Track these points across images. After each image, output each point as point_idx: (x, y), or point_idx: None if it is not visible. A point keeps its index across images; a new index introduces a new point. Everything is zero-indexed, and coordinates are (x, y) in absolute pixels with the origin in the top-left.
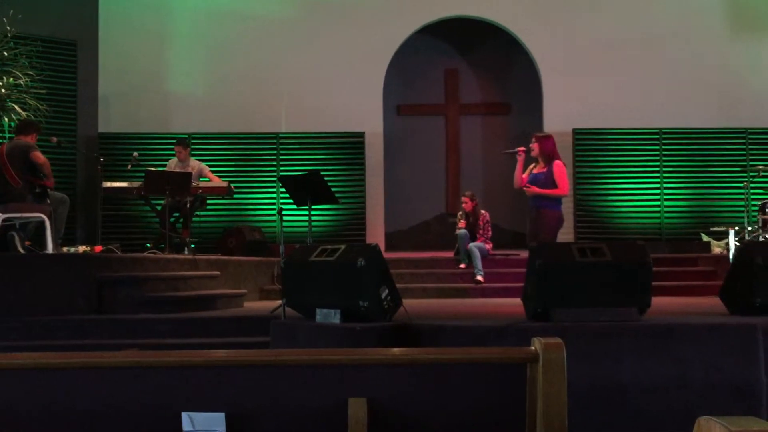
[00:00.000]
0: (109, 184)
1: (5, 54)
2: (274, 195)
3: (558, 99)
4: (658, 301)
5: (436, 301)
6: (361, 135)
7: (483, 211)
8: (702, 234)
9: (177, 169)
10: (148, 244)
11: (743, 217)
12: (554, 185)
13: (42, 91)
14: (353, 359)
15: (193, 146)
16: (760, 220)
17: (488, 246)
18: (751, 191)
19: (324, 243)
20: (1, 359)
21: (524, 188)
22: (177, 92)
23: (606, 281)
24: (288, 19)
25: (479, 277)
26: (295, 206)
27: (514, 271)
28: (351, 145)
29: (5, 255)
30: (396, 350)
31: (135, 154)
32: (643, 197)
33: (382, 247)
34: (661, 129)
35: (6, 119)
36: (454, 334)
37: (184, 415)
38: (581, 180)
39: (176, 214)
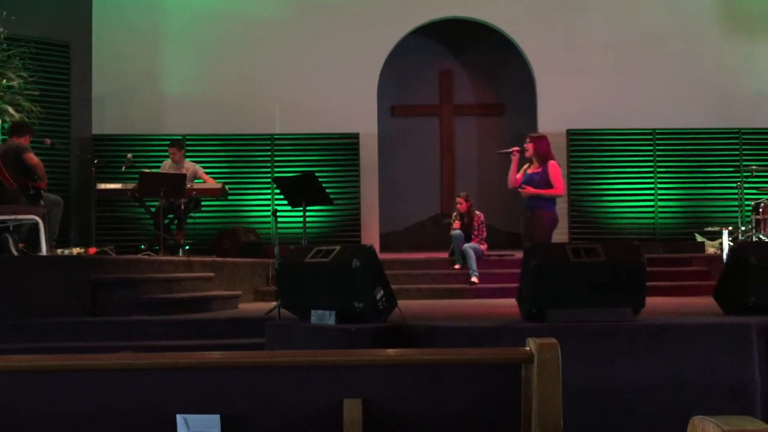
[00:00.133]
0: (103, 186)
1: None
2: (269, 196)
3: (552, 100)
4: (652, 301)
5: (431, 302)
6: (356, 136)
7: (477, 212)
8: (696, 234)
9: (171, 171)
10: (143, 246)
11: (737, 218)
12: (549, 185)
13: (35, 93)
14: (348, 360)
15: (187, 148)
16: (754, 220)
17: (483, 247)
18: (745, 191)
19: (319, 244)
20: None
21: (519, 189)
22: (171, 94)
23: (600, 281)
24: (282, 20)
25: (474, 278)
26: (289, 207)
27: (508, 271)
28: (345, 146)
29: None
30: (391, 351)
31: (129, 155)
32: (638, 198)
33: (377, 248)
34: (655, 129)
35: None
36: (449, 335)
37: (179, 417)
38: (575, 180)
39: (171, 216)
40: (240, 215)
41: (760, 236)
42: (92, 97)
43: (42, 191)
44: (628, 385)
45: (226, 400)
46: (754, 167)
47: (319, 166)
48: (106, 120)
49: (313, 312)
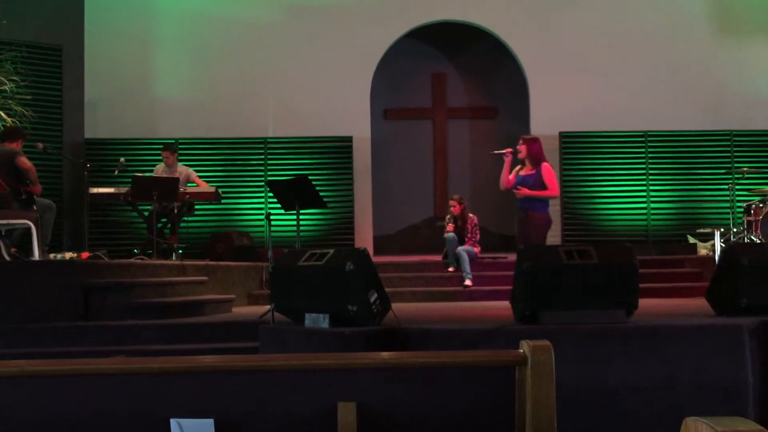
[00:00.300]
0: (95, 190)
1: None
2: (262, 200)
3: (544, 102)
4: (645, 303)
5: (425, 305)
6: (349, 139)
7: (471, 215)
8: (688, 235)
9: (164, 175)
10: (136, 250)
11: (729, 219)
12: (543, 187)
13: (27, 97)
14: (342, 364)
15: (180, 151)
16: (745, 222)
17: (476, 249)
18: (736, 193)
19: (312, 247)
20: None
21: (515, 190)
22: (164, 97)
23: (594, 283)
24: (275, 24)
25: (468, 281)
26: (283, 211)
27: (502, 274)
28: (339, 149)
29: None
30: (385, 354)
31: (122, 159)
32: (630, 199)
33: (371, 251)
34: (646, 132)
35: None
36: (442, 338)
37: (173, 422)
38: (568, 183)
39: (164, 220)
40: (233, 219)
41: (752, 237)
42: (85, 101)
43: (34, 196)
44: (621, 387)
45: (220, 404)
46: (745, 169)
47: (312, 170)
48: (98, 124)
49: (306, 315)
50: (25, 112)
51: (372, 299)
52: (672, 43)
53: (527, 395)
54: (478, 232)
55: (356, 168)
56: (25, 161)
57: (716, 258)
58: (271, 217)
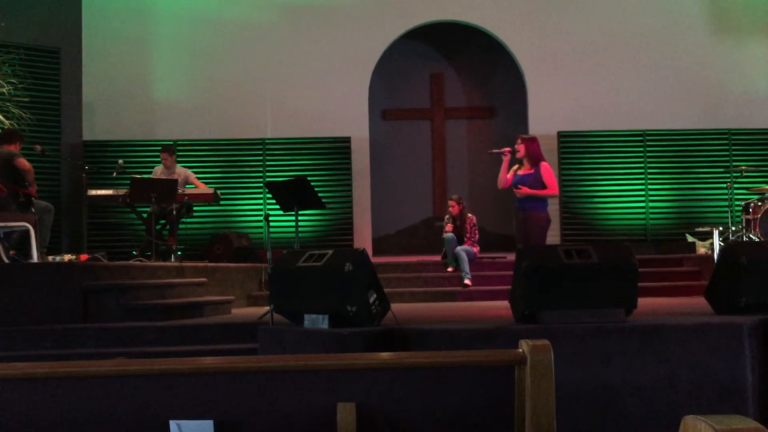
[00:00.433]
0: (94, 192)
1: None
2: (261, 201)
3: (542, 102)
4: (644, 302)
5: (424, 305)
6: (347, 140)
7: (470, 215)
8: (687, 234)
9: (163, 176)
10: (134, 252)
11: (727, 218)
12: (542, 186)
13: (25, 100)
14: (341, 364)
15: (178, 153)
16: (744, 220)
17: (475, 249)
18: (735, 192)
19: (311, 248)
20: None
21: (515, 190)
22: (162, 99)
23: (593, 283)
24: (273, 25)
25: (467, 281)
26: (282, 212)
27: (501, 274)
28: (337, 150)
29: None
30: (384, 355)
31: (120, 161)
32: (629, 199)
33: (370, 251)
34: (645, 131)
35: None
36: (442, 338)
37: (172, 423)
38: (567, 182)
39: (162, 222)
40: (232, 220)
41: (751, 236)
42: (82, 103)
43: (33, 198)
44: (620, 386)
45: (219, 406)
46: (743, 167)
47: (310, 171)
48: (96, 126)
49: (306, 316)
50: (23, 115)
51: (371, 300)
52: (670, 42)
53: (526, 395)
54: (477, 232)
55: (355, 169)
56: (24, 162)
57: (715, 257)
58: (270, 218)
